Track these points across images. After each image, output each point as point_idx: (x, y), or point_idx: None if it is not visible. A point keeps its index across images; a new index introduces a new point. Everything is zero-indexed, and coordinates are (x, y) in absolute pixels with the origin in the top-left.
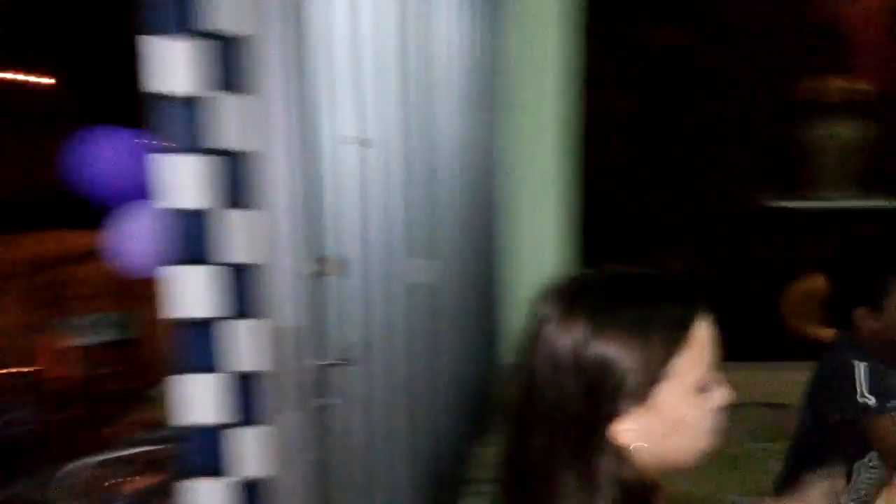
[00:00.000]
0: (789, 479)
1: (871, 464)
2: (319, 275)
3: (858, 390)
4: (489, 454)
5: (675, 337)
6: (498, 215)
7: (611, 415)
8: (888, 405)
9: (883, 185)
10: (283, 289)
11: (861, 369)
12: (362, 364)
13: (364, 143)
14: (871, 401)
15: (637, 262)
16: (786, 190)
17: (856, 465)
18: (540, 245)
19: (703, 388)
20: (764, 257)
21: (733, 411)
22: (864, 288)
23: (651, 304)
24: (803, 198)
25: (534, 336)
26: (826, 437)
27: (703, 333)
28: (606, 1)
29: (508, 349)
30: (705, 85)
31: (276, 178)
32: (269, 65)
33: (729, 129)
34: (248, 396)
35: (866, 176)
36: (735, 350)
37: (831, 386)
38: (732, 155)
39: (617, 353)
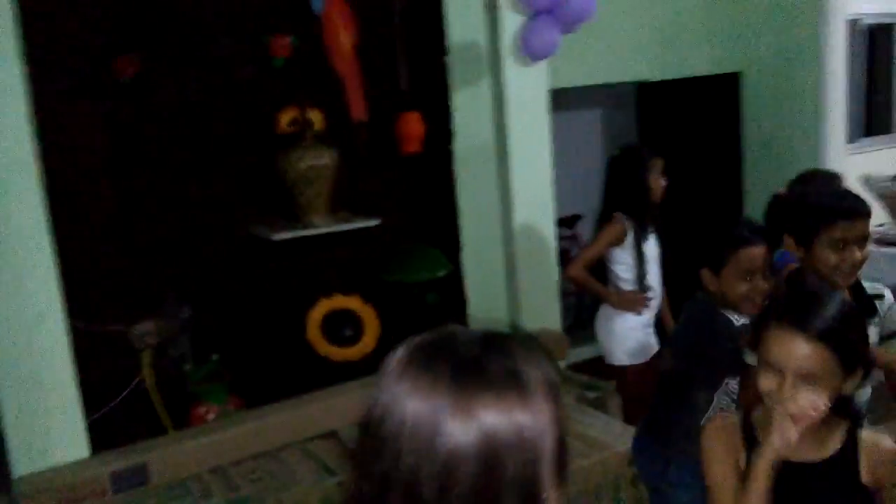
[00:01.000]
0: (657, 417)
1: (729, 388)
2: None
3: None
4: None
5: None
6: None
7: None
8: None
9: (358, 208)
10: None
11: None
12: None
13: None
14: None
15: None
16: (273, 221)
17: (717, 392)
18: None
19: None
20: (265, 290)
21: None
22: (710, 254)
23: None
24: (290, 227)
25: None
26: (693, 374)
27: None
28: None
29: None
30: (176, 118)
31: None
32: None
33: (209, 162)
34: None
35: (342, 200)
36: (268, 390)
37: (702, 332)
38: (216, 188)
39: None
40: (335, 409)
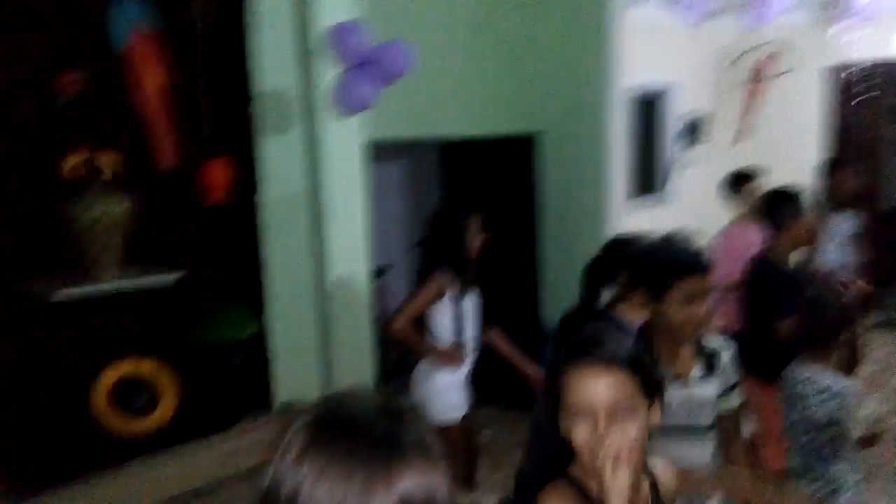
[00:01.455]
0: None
1: None
2: None
3: None
4: None
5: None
6: None
7: None
8: None
9: (157, 262)
10: None
11: None
12: None
13: None
14: None
15: None
16: (56, 276)
17: None
18: None
19: None
20: (43, 356)
21: None
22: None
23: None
24: (75, 284)
25: None
26: None
27: None
28: None
29: None
30: None
31: None
32: None
33: None
34: None
35: (138, 253)
36: (44, 473)
37: None
38: None
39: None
40: (125, 493)
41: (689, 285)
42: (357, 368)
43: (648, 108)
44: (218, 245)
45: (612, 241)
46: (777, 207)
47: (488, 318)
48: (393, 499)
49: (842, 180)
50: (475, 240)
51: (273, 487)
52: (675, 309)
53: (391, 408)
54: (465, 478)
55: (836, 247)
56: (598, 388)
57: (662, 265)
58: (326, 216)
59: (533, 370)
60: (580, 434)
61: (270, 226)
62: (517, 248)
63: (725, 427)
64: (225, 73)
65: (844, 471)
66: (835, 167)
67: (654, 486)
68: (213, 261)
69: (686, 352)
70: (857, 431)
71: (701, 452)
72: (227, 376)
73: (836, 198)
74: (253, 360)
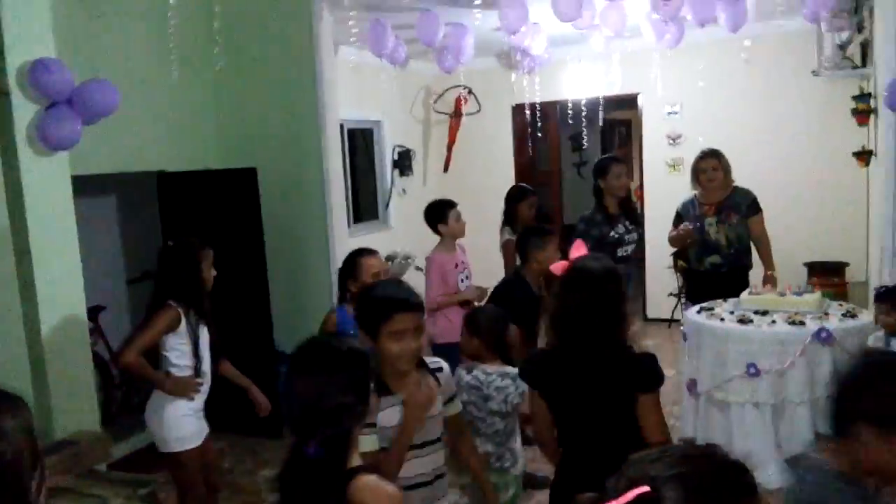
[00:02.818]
0: None
1: None
2: None
3: None
4: None
5: None
6: None
7: None
8: None
9: None
10: None
11: None
12: None
13: None
14: None
15: None
16: None
17: None
18: None
19: None
20: None
21: None
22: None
23: None
24: None
25: None
26: None
27: None
28: None
29: None
30: None
31: None
32: None
33: None
34: None
35: None
36: None
37: None
38: None
39: None
40: None
41: (398, 323)
42: (76, 409)
43: (365, 141)
44: None
45: (351, 253)
46: (523, 243)
47: (223, 346)
48: None
49: (524, 206)
50: (208, 273)
51: None
52: (389, 344)
53: None
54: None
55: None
56: None
57: (372, 306)
58: (35, 255)
59: (262, 398)
60: None
61: None
62: (247, 276)
63: (451, 431)
64: None
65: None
66: (517, 194)
67: None
68: None
69: (412, 378)
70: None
71: (434, 460)
72: None
73: (521, 221)
74: None
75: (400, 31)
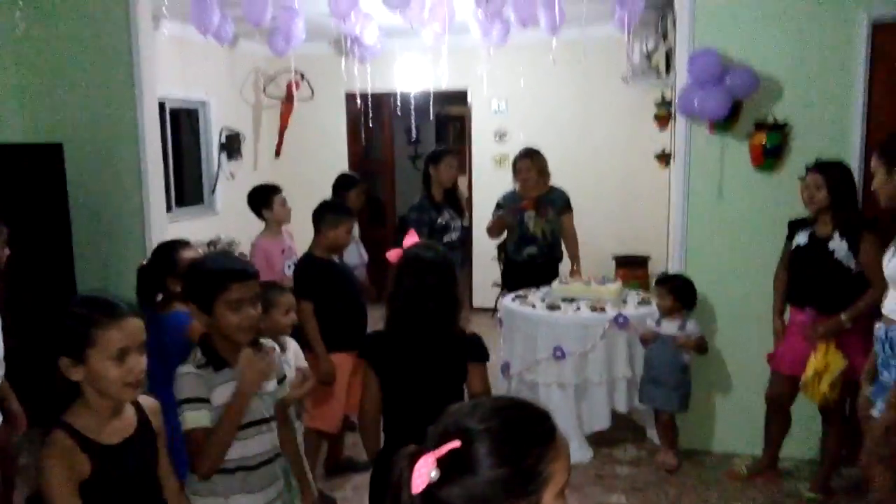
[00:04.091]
0: None
1: None
2: None
3: None
4: None
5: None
6: None
7: None
8: None
9: None
10: None
11: None
12: None
13: None
14: None
15: None
16: None
17: None
18: None
19: None
20: None
21: None
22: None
23: None
24: None
25: None
26: None
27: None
28: None
29: None
30: None
31: None
32: None
33: None
34: None
35: None
36: None
37: None
38: None
39: None
40: None
41: (235, 293)
42: None
43: (191, 122)
44: None
45: (159, 247)
46: (318, 216)
47: (21, 331)
48: None
49: (352, 195)
50: (1, 250)
51: None
52: (228, 315)
53: None
54: (4, 498)
55: (356, 249)
56: None
57: (206, 278)
58: None
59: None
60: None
61: None
62: (50, 259)
63: (279, 414)
64: None
65: None
66: (345, 182)
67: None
68: None
69: (246, 351)
70: None
71: (272, 439)
72: None
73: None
74: None
75: (228, 10)
